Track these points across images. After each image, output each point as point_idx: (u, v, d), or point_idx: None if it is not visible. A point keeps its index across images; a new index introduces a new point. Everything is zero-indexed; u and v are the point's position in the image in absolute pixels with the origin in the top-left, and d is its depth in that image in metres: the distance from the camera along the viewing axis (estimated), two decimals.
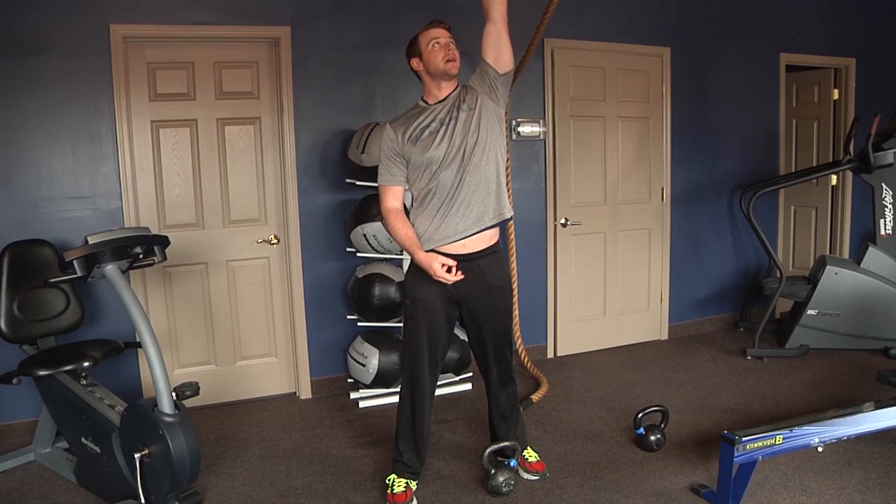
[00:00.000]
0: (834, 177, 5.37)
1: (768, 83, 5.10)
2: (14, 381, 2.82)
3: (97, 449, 2.65)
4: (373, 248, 3.64)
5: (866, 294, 4.35)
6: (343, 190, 3.85)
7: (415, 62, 2.58)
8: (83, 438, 2.71)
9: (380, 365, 3.61)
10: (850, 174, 5.22)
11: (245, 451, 3.21)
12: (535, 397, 3.74)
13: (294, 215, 3.80)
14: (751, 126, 5.10)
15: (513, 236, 4.08)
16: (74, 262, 2.42)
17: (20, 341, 2.94)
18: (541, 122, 4.34)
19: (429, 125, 2.53)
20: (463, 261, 2.52)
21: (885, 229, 4.43)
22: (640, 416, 3.11)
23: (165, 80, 3.56)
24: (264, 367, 3.94)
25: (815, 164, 5.37)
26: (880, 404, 2.70)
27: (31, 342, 2.98)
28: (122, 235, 2.55)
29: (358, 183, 3.63)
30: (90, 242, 2.43)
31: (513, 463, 2.78)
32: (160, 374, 2.42)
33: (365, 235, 3.60)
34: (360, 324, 3.81)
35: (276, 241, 3.86)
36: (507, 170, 2.79)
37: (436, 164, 2.49)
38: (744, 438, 2.42)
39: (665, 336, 4.95)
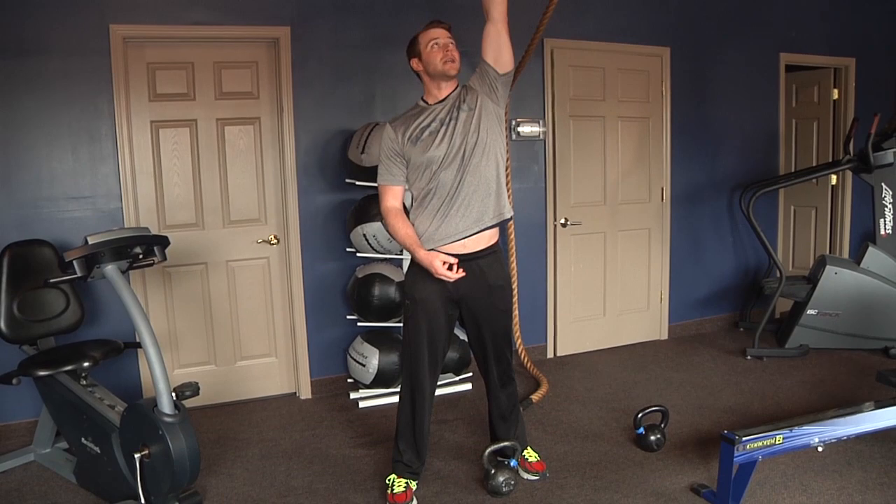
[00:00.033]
0: (834, 176, 5.37)
1: (768, 83, 5.10)
2: (14, 381, 2.81)
3: (97, 449, 2.65)
4: (372, 248, 3.64)
5: (866, 294, 4.35)
6: (343, 190, 3.85)
7: (415, 62, 2.58)
8: (83, 439, 2.71)
9: (380, 365, 3.61)
10: (849, 174, 5.22)
11: (245, 452, 3.21)
12: (534, 397, 3.74)
13: (294, 215, 3.80)
14: (750, 126, 5.10)
15: (513, 236, 4.08)
16: (74, 262, 2.42)
17: (20, 341, 2.94)
18: (540, 122, 4.34)
19: (429, 125, 2.52)
20: (463, 260, 2.51)
21: (885, 229, 4.43)
22: (640, 416, 3.11)
23: (165, 81, 3.56)
24: (264, 368, 3.94)
25: (814, 164, 5.37)
26: (880, 404, 2.70)
27: (30, 342, 2.98)
28: (122, 236, 2.55)
29: (358, 183, 3.63)
30: (90, 243, 2.43)
31: (513, 463, 2.78)
32: (160, 374, 2.42)
33: (365, 235, 3.60)
34: (359, 324, 3.80)
35: (275, 241, 3.86)
36: (506, 170, 2.79)
37: (436, 164, 2.49)
38: (744, 438, 2.42)
39: (665, 336, 4.95)
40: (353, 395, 3.84)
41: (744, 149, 5.08)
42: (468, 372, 3.91)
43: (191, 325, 3.76)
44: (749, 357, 4.42)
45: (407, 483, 2.67)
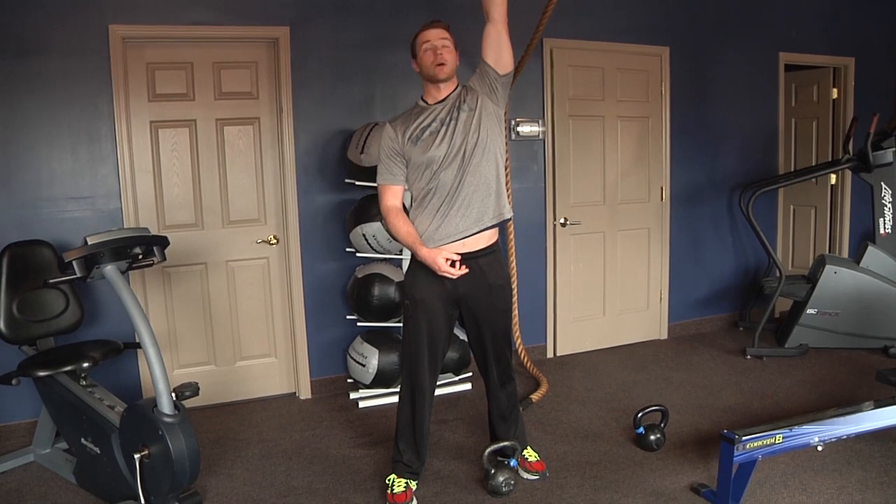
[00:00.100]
0: (833, 176, 5.37)
1: (767, 82, 5.10)
2: (13, 381, 2.81)
3: (97, 449, 2.65)
4: (372, 248, 3.64)
5: (865, 293, 4.35)
6: (342, 190, 3.85)
7: (414, 63, 2.58)
8: (83, 439, 2.71)
9: (379, 365, 3.61)
10: (849, 173, 5.23)
11: (245, 452, 3.21)
12: (534, 397, 3.74)
13: (293, 215, 3.80)
14: (750, 125, 5.10)
15: (512, 236, 4.08)
16: (74, 262, 2.41)
17: (19, 342, 2.93)
18: (540, 121, 4.34)
19: (429, 125, 2.52)
20: (463, 259, 2.51)
21: (885, 228, 4.44)
22: (639, 415, 3.11)
23: (164, 81, 3.56)
24: (264, 368, 3.94)
25: (814, 164, 5.37)
26: (880, 403, 2.70)
27: (30, 343, 2.98)
28: (122, 236, 2.55)
29: (357, 183, 3.63)
30: (89, 243, 2.43)
31: (513, 463, 2.78)
32: (160, 374, 2.41)
33: (364, 235, 3.60)
34: (359, 324, 3.81)
35: (275, 241, 3.86)
36: (506, 170, 2.79)
37: (436, 164, 2.49)
38: (743, 438, 2.42)
39: (665, 336, 4.95)
40: (352, 395, 3.84)
41: (743, 148, 5.08)
42: (468, 372, 3.91)
43: (190, 325, 3.76)
44: (749, 356, 4.42)
45: (407, 483, 2.67)
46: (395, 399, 2.84)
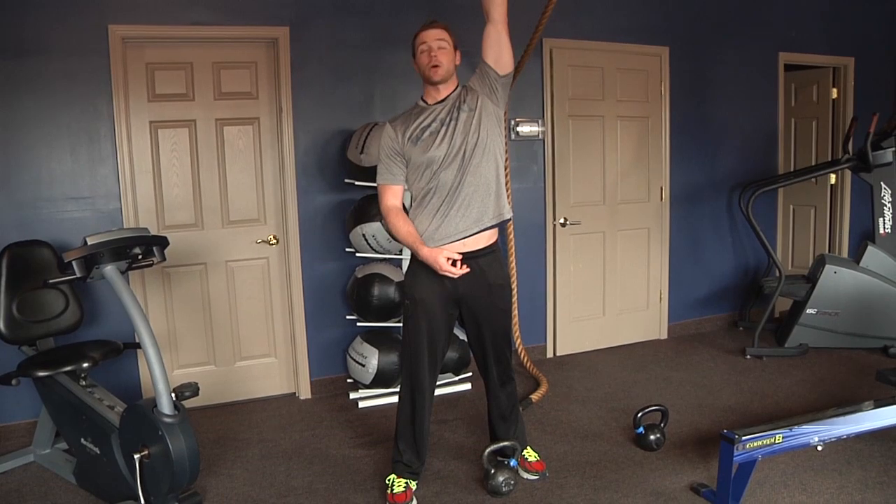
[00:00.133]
0: (833, 176, 5.38)
1: (767, 82, 5.11)
2: (13, 382, 2.81)
3: (97, 450, 2.65)
4: (372, 248, 3.64)
5: (865, 293, 4.35)
6: (342, 190, 3.85)
7: (414, 63, 2.58)
8: (83, 439, 2.71)
9: (379, 365, 3.61)
10: (848, 173, 5.23)
11: (245, 452, 3.20)
12: (534, 397, 3.74)
13: (293, 215, 3.80)
14: (750, 125, 5.10)
15: (512, 236, 4.08)
16: (73, 262, 2.41)
17: (19, 342, 2.93)
18: (540, 121, 4.34)
19: (429, 125, 2.52)
20: (463, 259, 2.51)
21: (884, 228, 4.44)
22: (639, 415, 3.11)
23: (164, 81, 3.56)
24: (264, 368, 3.94)
25: (813, 164, 5.37)
26: (879, 403, 2.70)
27: (30, 343, 2.98)
28: (121, 236, 2.55)
29: (357, 183, 3.63)
30: (89, 243, 2.43)
31: (512, 463, 2.78)
32: (159, 374, 2.41)
33: (364, 235, 3.60)
34: (359, 324, 3.81)
35: (275, 241, 3.86)
36: (506, 170, 2.79)
37: (436, 164, 2.49)
38: (743, 437, 2.42)
39: (664, 335, 4.95)
40: (352, 395, 3.84)
41: (743, 148, 5.08)
42: (467, 372, 3.91)
43: (190, 325, 3.76)
44: (748, 356, 4.42)
45: (407, 483, 2.67)
46: (395, 399, 2.84)
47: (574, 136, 4.46)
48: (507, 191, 2.70)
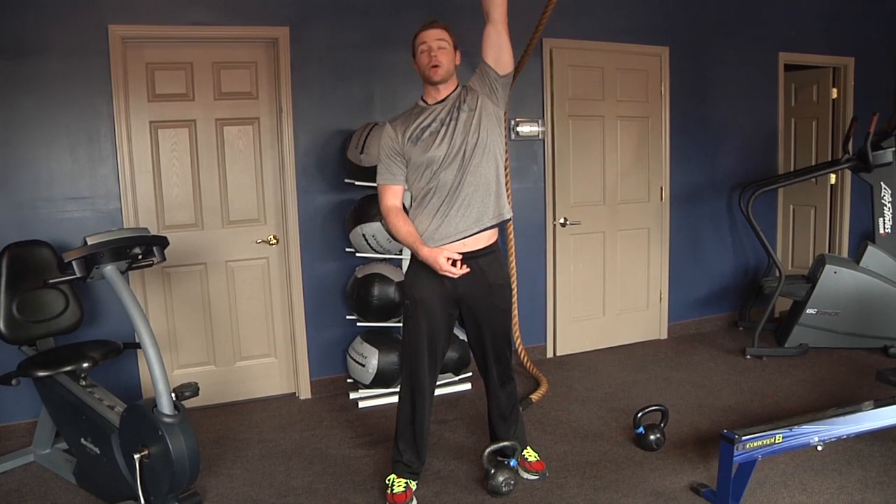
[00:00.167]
0: (833, 176, 5.38)
1: (767, 82, 5.11)
2: (13, 382, 2.81)
3: (97, 450, 2.65)
4: (372, 248, 3.64)
5: (865, 293, 4.35)
6: (342, 190, 3.85)
7: (414, 63, 2.58)
8: (82, 439, 2.71)
9: (379, 365, 3.61)
10: (848, 173, 5.23)
11: (245, 452, 3.20)
12: (534, 397, 3.74)
13: (293, 215, 3.80)
14: (750, 125, 5.10)
15: (512, 236, 4.08)
16: (73, 262, 2.41)
17: (19, 342, 2.93)
18: (539, 121, 4.34)
19: (429, 125, 2.52)
20: (463, 259, 2.51)
21: (884, 228, 4.44)
22: (639, 415, 3.11)
23: (164, 81, 3.56)
24: (264, 368, 3.94)
25: (813, 164, 5.37)
26: (879, 403, 2.70)
27: (30, 343, 2.98)
28: (121, 236, 2.55)
29: (357, 183, 3.63)
30: (89, 243, 2.43)
31: (512, 463, 2.78)
32: (159, 374, 2.41)
33: (364, 235, 3.60)
34: (359, 324, 3.81)
35: (275, 241, 3.86)
36: (506, 170, 2.79)
37: (436, 164, 2.49)
38: (743, 437, 2.42)
39: (664, 335, 4.95)
40: (352, 396, 3.84)
41: (743, 148, 5.08)
42: (467, 372, 3.91)
43: (190, 325, 3.76)
44: (748, 356, 4.42)
45: (407, 483, 2.67)
46: (395, 399, 2.84)
47: (574, 136, 4.46)
48: (507, 191, 2.70)
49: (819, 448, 2.58)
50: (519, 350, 4.20)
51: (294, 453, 3.18)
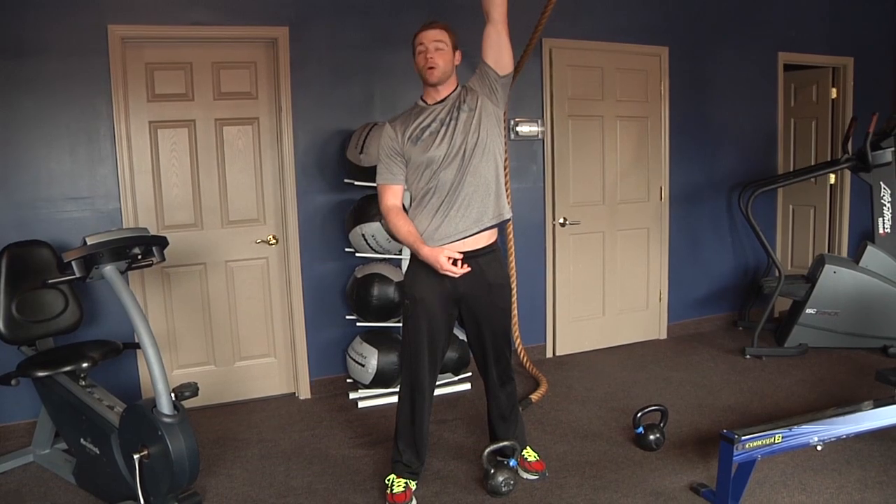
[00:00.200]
0: (832, 176, 5.38)
1: (767, 82, 5.11)
2: (13, 382, 2.81)
3: (96, 450, 2.65)
4: (371, 248, 3.64)
5: (865, 293, 4.35)
6: (341, 190, 3.84)
7: (414, 63, 2.58)
8: (82, 439, 2.71)
9: (379, 365, 3.61)
10: (848, 173, 5.23)
11: (244, 452, 3.20)
12: (534, 397, 3.74)
13: (293, 215, 3.80)
14: (749, 125, 5.10)
15: (511, 236, 4.08)
16: (73, 263, 2.41)
17: (19, 342, 2.93)
18: (539, 121, 4.34)
19: (429, 125, 2.52)
20: (464, 259, 2.51)
21: (884, 228, 4.44)
22: (639, 415, 3.11)
23: (163, 81, 3.55)
24: (263, 368, 3.94)
25: (813, 164, 5.37)
26: (879, 403, 2.70)
27: (29, 343, 2.97)
28: (121, 236, 2.54)
29: (356, 183, 3.63)
30: (89, 243, 2.43)
31: (512, 463, 2.78)
32: (159, 374, 2.41)
33: (363, 235, 3.60)
34: (358, 324, 3.81)
35: (274, 241, 3.86)
36: (505, 170, 2.79)
37: (436, 163, 2.49)
38: (743, 437, 2.42)
39: (664, 335, 4.95)
40: (352, 396, 3.84)
41: (742, 148, 5.08)
42: (467, 372, 3.91)
43: (190, 325, 3.76)
44: (748, 356, 4.42)
45: (406, 483, 2.67)
46: (395, 399, 2.84)
47: (573, 136, 4.46)
48: (506, 191, 2.70)
49: (818, 448, 2.59)
50: (518, 350, 4.20)
51: (294, 453, 3.18)
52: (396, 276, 3.64)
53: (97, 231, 2.56)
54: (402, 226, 2.54)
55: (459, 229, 2.50)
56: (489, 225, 2.55)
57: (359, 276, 3.70)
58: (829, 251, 5.41)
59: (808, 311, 4.43)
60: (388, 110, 3.84)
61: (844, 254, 5.34)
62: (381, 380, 3.65)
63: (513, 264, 4.06)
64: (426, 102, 2.59)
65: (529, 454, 2.90)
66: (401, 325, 2.98)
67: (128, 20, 3.41)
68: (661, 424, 3.13)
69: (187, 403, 2.58)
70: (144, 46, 3.49)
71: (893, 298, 4.35)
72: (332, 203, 3.89)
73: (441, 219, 2.50)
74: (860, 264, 4.40)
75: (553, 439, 3.24)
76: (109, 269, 2.49)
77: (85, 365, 2.77)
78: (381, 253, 3.67)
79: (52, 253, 3.11)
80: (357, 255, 3.77)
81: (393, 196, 2.60)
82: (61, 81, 3.33)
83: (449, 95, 2.55)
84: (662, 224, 4.84)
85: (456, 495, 2.74)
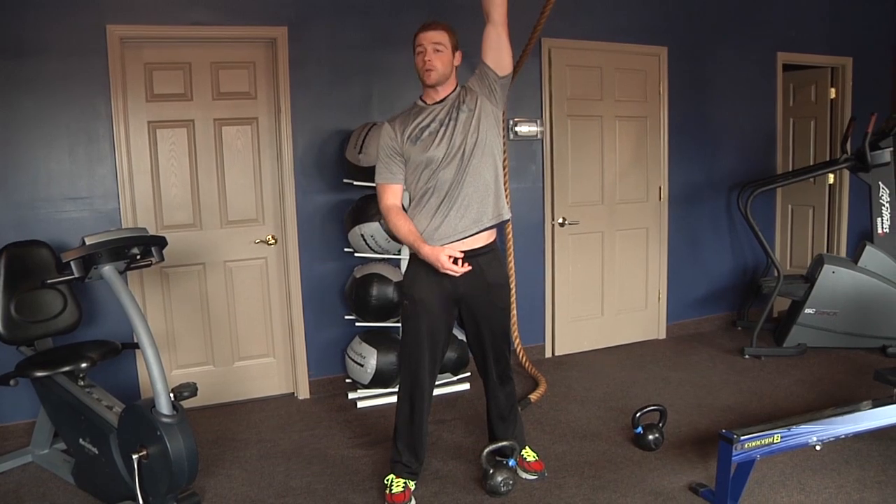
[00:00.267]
0: (831, 176, 5.38)
1: (766, 82, 5.11)
2: (11, 382, 2.81)
3: (95, 450, 2.65)
4: (370, 248, 3.64)
5: (864, 292, 4.36)
6: (340, 190, 3.84)
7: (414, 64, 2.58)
8: (81, 440, 2.71)
9: (378, 365, 3.61)
10: (847, 173, 5.23)
11: (243, 452, 3.20)
12: (533, 397, 3.74)
13: (291, 215, 3.80)
14: (748, 125, 5.10)
15: (510, 236, 4.08)
16: (72, 263, 2.41)
17: (17, 342, 2.93)
18: (538, 121, 4.34)
19: (428, 125, 2.52)
20: (464, 258, 2.51)
21: (882, 228, 4.44)
22: (638, 415, 3.11)
23: (162, 81, 3.55)
24: (262, 368, 3.94)
25: (812, 163, 5.37)
26: (878, 403, 2.70)
27: (28, 343, 2.97)
28: (120, 236, 2.54)
29: (355, 183, 3.63)
30: (87, 243, 2.43)
31: (511, 463, 2.78)
32: (158, 374, 2.41)
33: (363, 235, 3.60)
34: (357, 324, 3.80)
35: (273, 241, 3.86)
36: (504, 170, 2.79)
37: (435, 163, 2.49)
38: (742, 437, 2.42)
39: (663, 335, 4.96)
40: (351, 396, 3.84)
41: (741, 148, 5.08)
42: (466, 372, 3.91)
43: (189, 325, 3.76)
44: (747, 356, 4.43)
45: (405, 483, 2.67)
46: (394, 399, 2.84)
47: (573, 136, 4.46)
48: (505, 191, 2.70)
49: (817, 448, 2.59)
50: (518, 350, 4.20)
51: (293, 453, 3.18)
52: (395, 276, 3.64)
53: (96, 231, 2.56)
54: (403, 225, 2.54)
55: (459, 229, 2.50)
56: (488, 225, 2.55)
57: (358, 276, 3.70)
58: (827, 251, 5.41)
59: (807, 310, 4.44)
60: (387, 110, 3.83)
61: (843, 254, 5.34)
62: (380, 380, 3.65)
63: (512, 264, 4.06)
64: (425, 102, 2.59)
65: (528, 454, 2.90)
66: (400, 325, 2.98)
67: (127, 20, 3.41)
68: (660, 424, 3.13)
69: (186, 403, 2.58)
70: (143, 46, 3.49)
71: (892, 298, 4.35)
72: (331, 203, 3.89)
73: (440, 219, 2.50)
74: (859, 264, 4.41)
75: (552, 439, 3.24)
76: (108, 270, 2.49)
77: (84, 365, 2.77)
78: (380, 253, 3.67)
79: (50, 253, 3.10)
80: (356, 255, 3.77)
81: (392, 195, 2.60)
82: (61, 81, 3.33)
83: (448, 96, 2.55)
84: (661, 224, 4.84)
85: (455, 495, 2.74)
